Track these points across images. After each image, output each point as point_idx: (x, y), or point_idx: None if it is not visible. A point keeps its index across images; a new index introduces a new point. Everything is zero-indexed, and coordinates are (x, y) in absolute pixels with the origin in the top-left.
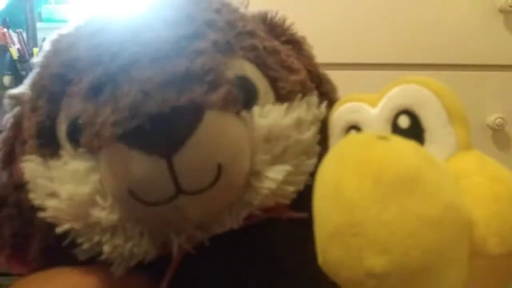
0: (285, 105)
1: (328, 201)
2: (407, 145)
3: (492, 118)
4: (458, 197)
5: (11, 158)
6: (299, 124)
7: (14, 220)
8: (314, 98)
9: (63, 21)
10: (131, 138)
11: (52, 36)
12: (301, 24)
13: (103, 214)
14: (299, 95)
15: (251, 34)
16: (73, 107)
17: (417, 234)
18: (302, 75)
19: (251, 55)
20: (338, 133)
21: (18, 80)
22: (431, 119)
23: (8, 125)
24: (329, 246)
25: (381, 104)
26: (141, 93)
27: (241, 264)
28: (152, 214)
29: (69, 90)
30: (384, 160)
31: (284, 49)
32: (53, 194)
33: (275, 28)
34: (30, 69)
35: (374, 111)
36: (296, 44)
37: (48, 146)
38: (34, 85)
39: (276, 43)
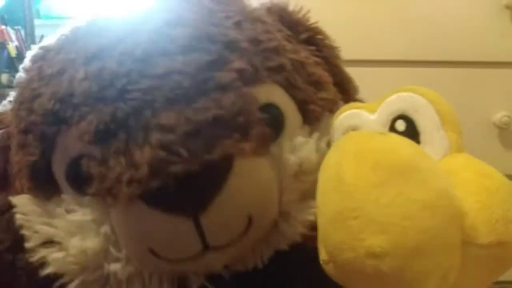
0: (316, 135)
1: (330, 188)
2: (402, 139)
3: (498, 116)
4: (450, 187)
5: (4, 184)
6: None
7: None
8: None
9: (61, 17)
10: (152, 198)
11: (33, 51)
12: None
13: (119, 266)
14: (327, 114)
15: (277, 51)
16: (71, 148)
17: (412, 216)
18: (331, 89)
19: (278, 78)
20: (339, 137)
21: (16, 78)
22: (425, 123)
23: None
24: (331, 230)
25: (379, 110)
26: (163, 149)
27: None
28: (175, 268)
29: (65, 129)
30: (382, 149)
31: (309, 56)
32: (55, 243)
33: (295, 26)
34: None
35: (372, 117)
36: (318, 42)
37: (44, 188)
38: (19, 111)
39: (302, 54)
